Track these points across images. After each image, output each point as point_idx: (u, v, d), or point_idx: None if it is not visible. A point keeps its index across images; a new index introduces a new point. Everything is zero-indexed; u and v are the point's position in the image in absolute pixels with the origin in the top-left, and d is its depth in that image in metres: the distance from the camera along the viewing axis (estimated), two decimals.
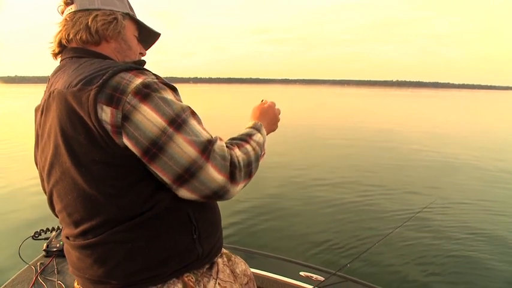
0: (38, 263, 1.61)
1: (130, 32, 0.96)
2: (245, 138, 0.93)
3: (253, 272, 1.82)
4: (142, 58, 1.03)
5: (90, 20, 0.87)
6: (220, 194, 0.78)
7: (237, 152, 0.84)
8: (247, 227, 4.14)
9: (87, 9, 0.89)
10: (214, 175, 0.75)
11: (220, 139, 0.83)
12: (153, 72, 0.80)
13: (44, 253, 1.67)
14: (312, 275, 1.84)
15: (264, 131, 1.02)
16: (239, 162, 0.81)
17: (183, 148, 0.73)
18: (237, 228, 4.08)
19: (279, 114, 1.16)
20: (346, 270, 1.86)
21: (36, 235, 1.72)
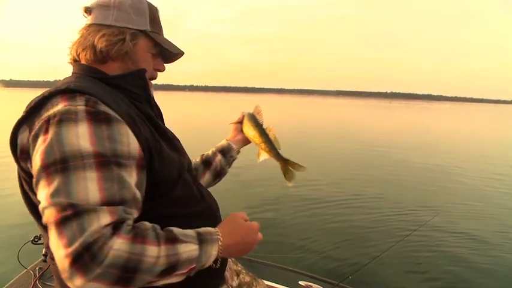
0: (37, 268, 1.59)
1: (144, 49, 0.93)
2: (168, 238, 0.70)
3: None
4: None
5: (96, 39, 0.87)
6: (63, 274, 0.61)
7: (119, 244, 0.62)
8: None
9: (100, 24, 0.89)
10: (59, 244, 0.60)
11: (120, 221, 0.64)
12: (95, 96, 0.71)
13: (42, 258, 1.66)
14: (311, 284, 1.84)
15: (212, 248, 0.76)
16: (103, 255, 0.60)
17: (42, 196, 0.64)
18: None
19: (256, 242, 0.87)
20: (347, 282, 1.86)
21: (36, 240, 1.70)
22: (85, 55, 0.88)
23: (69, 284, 0.61)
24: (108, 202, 0.64)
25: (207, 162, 1.35)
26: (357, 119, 28.60)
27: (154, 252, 0.65)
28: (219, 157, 1.35)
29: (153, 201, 0.82)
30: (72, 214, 0.61)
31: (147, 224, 0.71)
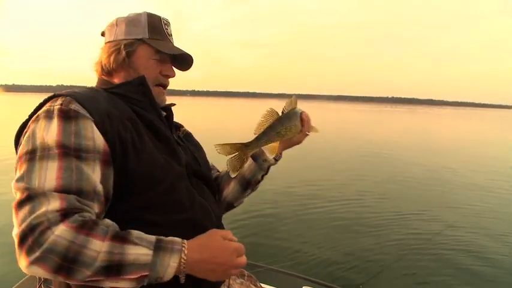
0: None
1: (144, 56, 0.99)
2: (117, 235, 0.69)
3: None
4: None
5: (101, 55, 1.01)
6: (18, 253, 0.64)
7: (62, 231, 0.63)
8: (252, 239, 4.14)
9: (107, 42, 1.01)
10: (14, 224, 0.66)
11: (72, 208, 0.67)
12: (73, 97, 0.78)
13: None
14: None
15: (171, 259, 0.70)
16: (44, 238, 0.62)
17: (15, 180, 0.70)
18: (240, 240, 4.03)
19: (231, 265, 0.77)
20: (350, 286, 1.85)
21: None
22: (97, 70, 1.03)
23: (19, 265, 0.64)
24: (63, 190, 0.68)
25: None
26: (359, 123, 28.57)
27: (96, 246, 0.65)
28: (249, 162, 1.17)
29: (125, 201, 0.81)
30: (26, 197, 0.66)
31: (107, 220, 0.73)
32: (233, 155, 1.03)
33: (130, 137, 0.83)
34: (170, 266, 0.70)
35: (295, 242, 4.17)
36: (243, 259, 0.80)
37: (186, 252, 0.72)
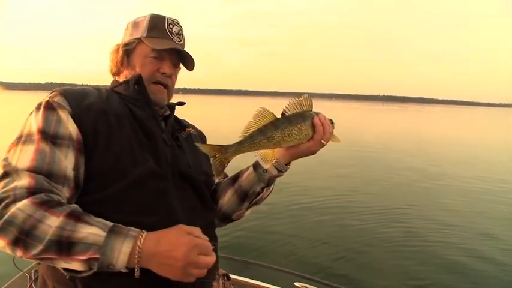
0: (33, 271, 1.58)
1: (141, 54, 1.02)
2: (72, 213, 0.70)
3: (248, 282, 1.83)
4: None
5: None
6: None
7: (23, 205, 0.68)
8: (243, 236, 4.15)
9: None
10: None
11: (39, 188, 0.71)
12: (61, 92, 0.87)
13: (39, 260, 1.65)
14: (307, 285, 1.85)
15: (123, 244, 0.67)
16: (6, 210, 0.67)
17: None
18: (233, 237, 4.07)
19: (188, 262, 0.69)
20: (344, 283, 1.88)
21: None
22: (109, 71, 1.09)
23: None
24: (34, 170, 0.74)
25: (235, 177, 1.12)
26: (353, 121, 28.76)
27: (50, 221, 0.67)
28: (248, 171, 1.08)
29: (87, 194, 0.82)
30: (3, 174, 0.73)
31: (74, 205, 0.75)
32: (215, 157, 0.93)
33: (107, 131, 0.86)
34: (122, 251, 0.67)
35: (286, 239, 4.20)
36: (207, 259, 0.72)
37: (142, 241, 0.69)
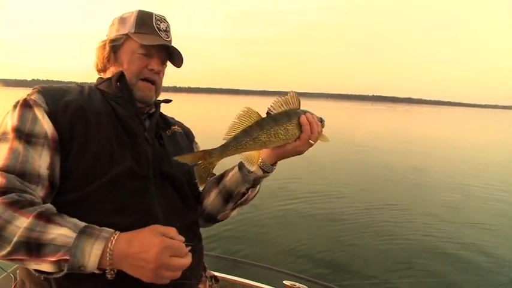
0: (17, 271, 1.55)
1: (129, 51, 0.99)
2: (42, 214, 0.68)
3: (238, 281, 1.84)
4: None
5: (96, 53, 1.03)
6: None
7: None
8: (233, 235, 4.15)
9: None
10: None
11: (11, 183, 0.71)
12: (39, 89, 0.86)
13: None
14: (295, 283, 1.87)
15: (94, 246, 0.66)
16: None
17: None
18: (223, 236, 4.07)
19: (160, 264, 0.67)
20: (329, 279, 1.90)
21: None
22: (95, 68, 1.06)
23: None
24: (7, 170, 0.73)
25: (219, 177, 1.08)
26: (344, 121, 28.99)
27: (19, 222, 0.66)
28: (233, 171, 1.04)
29: (62, 194, 0.80)
30: None
31: (48, 204, 0.74)
32: (197, 164, 0.87)
33: (85, 130, 0.84)
34: (93, 253, 0.65)
35: (275, 237, 4.22)
36: (180, 260, 0.69)
37: (113, 242, 0.67)
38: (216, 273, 1.18)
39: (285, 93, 0.91)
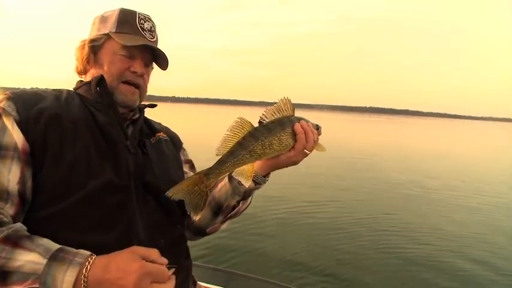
0: None
1: (110, 51, 0.92)
2: (8, 238, 0.63)
3: None
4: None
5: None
6: None
7: None
8: (224, 245, 4.06)
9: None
10: None
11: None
12: (11, 95, 0.79)
13: None
14: None
15: (66, 273, 0.60)
16: None
17: None
18: (215, 245, 3.99)
19: None
20: None
21: None
22: (75, 70, 0.99)
23: None
24: None
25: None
26: (344, 131, 29.07)
27: None
28: (223, 182, 0.98)
29: (35, 211, 0.74)
30: None
31: (18, 224, 0.68)
32: (192, 192, 0.77)
33: (60, 139, 0.78)
34: (65, 280, 0.59)
35: (271, 248, 4.16)
36: (161, 287, 0.64)
37: (88, 267, 0.61)
38: (208, 286, 1.14)
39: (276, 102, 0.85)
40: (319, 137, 0.90)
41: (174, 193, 0.76)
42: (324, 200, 6.35)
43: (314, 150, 0.88)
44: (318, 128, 0.91)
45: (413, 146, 20.22)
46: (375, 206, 6.13)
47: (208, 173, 0.78)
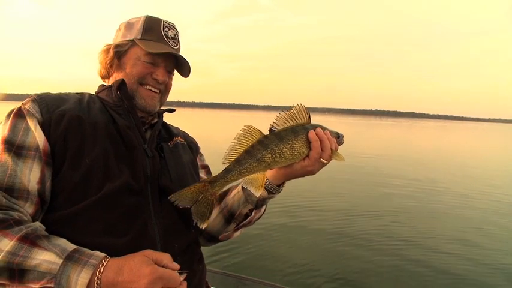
0: None
1: (133, 57, 0.93)
2: (27, 237, 0.63)
3: None
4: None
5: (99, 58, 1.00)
6: None
7: None
8: (243, 252, 4.05)
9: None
10: None
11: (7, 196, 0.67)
12: (36, 97, 0.81)
13: None
14: None
15: (80, 274, 0.61)
16: None
17: None
18: (231, 253, 3.98)
19: None
20: None
21: None
22: (98, 74, 1.02)
23: None
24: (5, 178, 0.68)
25: (223, 195, 1.01)
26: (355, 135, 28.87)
27: (2, 244, 0.62)
28: (237, 189, 0.98)
29: (52, 212, 0.75)
30: None
31: (37, 223, 0.69)
32: (197, 200, 0.76)
33: (80, 141, 0.78)
34: (79, 282, 0.60)
35: (283, 253, 4.12)
36: None
37: (101, 270, 0.62)
38: None
39: (289, 108, 0.81)
40: (341, 146, 0.85)
41: (177, 198, 0.76)
42: (336, 206, 6.27)
43: (333, 160, 0.83)
44: (338, 136, 0.86)
45: (421, 147, 20.00)
46: (385, 211, 6.04)
47: (213, 181, 0.78)
